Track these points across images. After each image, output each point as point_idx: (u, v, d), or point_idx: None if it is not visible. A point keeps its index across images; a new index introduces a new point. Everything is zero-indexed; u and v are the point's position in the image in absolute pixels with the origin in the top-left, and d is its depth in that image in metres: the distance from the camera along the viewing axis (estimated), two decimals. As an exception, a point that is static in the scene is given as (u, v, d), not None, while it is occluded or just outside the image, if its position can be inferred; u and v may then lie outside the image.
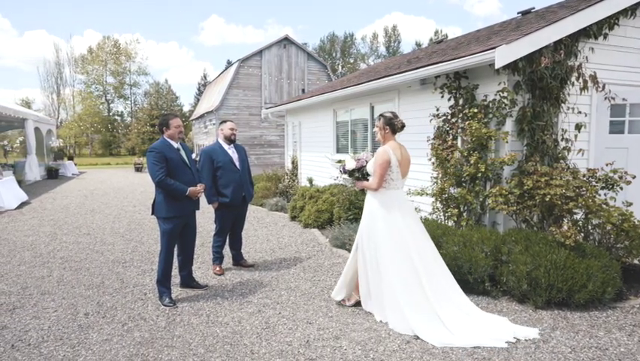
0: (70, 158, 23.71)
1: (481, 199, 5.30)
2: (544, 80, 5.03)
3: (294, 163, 11.94)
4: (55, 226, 8.17)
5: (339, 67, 59.36)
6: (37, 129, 18.12)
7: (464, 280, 4.35)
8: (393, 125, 3.95)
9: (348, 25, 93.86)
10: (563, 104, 5.29)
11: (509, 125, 5.23)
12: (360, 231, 4.02)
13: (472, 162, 5.19)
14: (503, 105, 5.19)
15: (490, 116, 5.31)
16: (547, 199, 4.42)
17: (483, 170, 5.10)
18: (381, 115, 4.03)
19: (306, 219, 7.68)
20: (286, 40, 24.47)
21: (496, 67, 4.71)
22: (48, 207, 10.71)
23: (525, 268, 3.97)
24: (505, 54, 4.65)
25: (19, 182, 12.79)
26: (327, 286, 4.71)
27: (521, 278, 3.99)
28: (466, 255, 4.32)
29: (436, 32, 57.67)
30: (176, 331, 3.65)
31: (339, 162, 4.24)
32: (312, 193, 8.13)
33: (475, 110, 5.33)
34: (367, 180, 4.02)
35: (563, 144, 5.34)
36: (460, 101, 5.72)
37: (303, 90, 24.08)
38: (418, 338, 3.46)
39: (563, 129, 5.37)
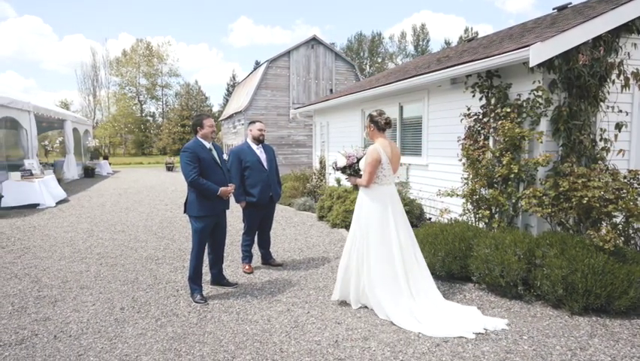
0: (106, 157, 24.58)
1: (513, 201, 5.17)
2: (582, 78, 4.86)
3: (322, 163, 11.97)
4: (92, 223, 8.49)
5: (367, 66, 59.06)
6: (75, 130, 18.86)
7: (496, 284, 4.26)
8: (377, 122, 4.16)
9: (376, 24, 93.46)
10: (601, 103, 5.09)
11: (544, 125, 5.08)
12: (353, 227, 4.18)
13: (504, 162, 5.07)
14: (538, 104, 5.04)
15: (524, 115, 5.18)
16: (585, 201, 4.27)
17: (516, 171, 4.97)
18: (369, 114, 4.26)
19: (334, 219, 7.68)
20: (314, 41, 24.56)
21: (531, 65, 4.59)
22: (85, 204, 11.14)
23: (560, 273, 3.85)
24: (540, 52, 4.52)
25: (59, 180, 13.34)
26: (356, 286, 4.70)
27: (556, 283, 3.86)
28: (498, 258, 4.23)
29: (466, 30, 56.64)
30: (207, 327, 3.73)
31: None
32: (340, 193, 8.12)
33: (508, 110, 5.21)
34: (360, 175, 4.19)
35: (601, 144, 5.14)
36: (492, 101, 5.60)
37: (331, 90, 24.10)
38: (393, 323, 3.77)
39: (601, 129, 5.17)
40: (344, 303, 4.22)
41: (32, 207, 10.41)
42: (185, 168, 4.19)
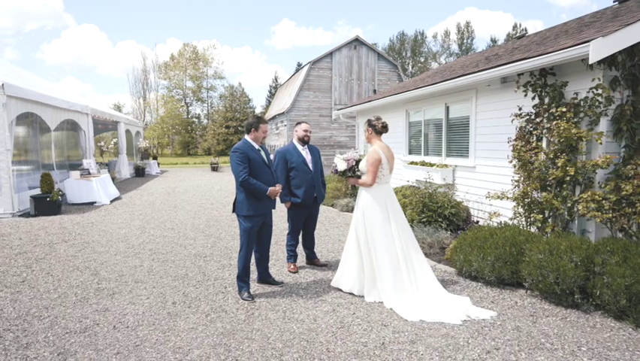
0: (155, 157, 25.64)
1: (569, 205, 4.93)
2: (648, 74, 4.56)
3: (364, 164, 11.91)
4: (143, 220, 8.89)
5: (410, 66, 58.20)
6: (127, 131, 19.86)
7: (550, 291, 4.07)
8: (374, 126, 4.51)
9: (419, 23, 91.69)
10: (670, 101, 4.76)
11: (604, 125, 4.81)
12: (356, 224, 4.49)
13: (559, 164, 4.85)
14: (597, 103, 4.79)
15: (582, 115, 4.93)
16: (651, 207, 4.00)
17: (572, 173, 4.74)
18: (367, 120, 4.61)
19: (377, 220, 7.62)
20: (356, 42, 24.50)
21: (590, 62, 4.36)
22: (137, 202, 11.68)
23: (623, 282, 3.62)
24: (601, 47, 4.29)
25: (113, 179, 14.09)
26: (401, 289, 4.64)
27: (619, 293, 3.64)
28: (553, 264, 4.04)
29: (515, 27, 54.57)
30: (254, 324, 3.81)
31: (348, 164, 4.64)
32: (383, 195, 8.05)
33: (564, 109, 4.98)
34: (358, 176, 4.53)
35: (669, 145, 4.80)
36: (546, 100, 5.38)
37: (375, 91, 23.95)
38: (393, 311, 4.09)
39: (669, 129, 4.82)
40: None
41: (89, 205, 11.05)
42: (236, 168, 4.30)
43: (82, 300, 4.40)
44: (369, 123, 4.54)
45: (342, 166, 4.51)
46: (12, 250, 6.46)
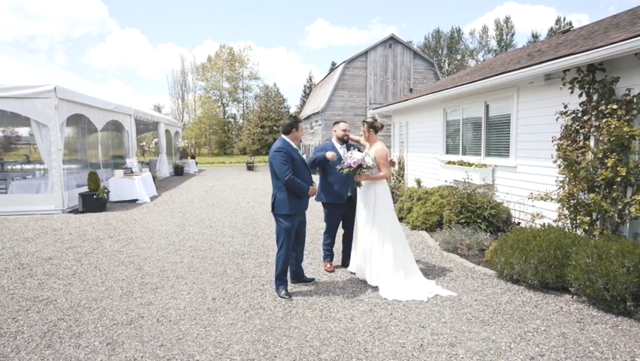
0: (193, 157, 26.33)
1: (619, 207, 4.69)
2: None
3: (401, 164, 11.80)
4: (183, 218, 9.16)
5: (446, 64, 57.02)
6: (167, 131, 20.50)
7: (598, 297, 3.89)
8: (375, 127, 4.96)
9: (455, 20, 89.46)
10: None
11: (659, 123, 4.55)
12: (366, 215, 4.77)
13: (609, 164, 4.63)
14: (652, 100, 4.53)
15: (635, 112, 4.68)
16: None
17: (623, 174, 4.51)
18: (364, 121, 5.05)
19: (414, 221, 7.52)
20: (392, 40, 24.25)
21: (645, 56, 4.13)
22: (176, 200, 12.05)
23: (681, 289, 3.41)
24: (657, 41, 4.05)
25: (154, 178, 14.58)
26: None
27: (675, 300, 3.44)
28: (602, 268, 3.86)
29: (558, 21, 52.42)
30: (292, 322, 3.85)
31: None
32: (420, 195, 7.94)
33: (615, 107, 4.74)
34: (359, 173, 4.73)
35: None
36: (595, 97, 5.14)
37: (411, 90, 23.64)
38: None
39: None
40: (428, 307, 4.13)
41: (132, 202, 11.49)
42: (281, 168, 4.36)
43: (127, 293, 4.59)
44: (370, 125, 4.93)
45: (369, 161, 4.66)
46: (63, 245, 6.82)
